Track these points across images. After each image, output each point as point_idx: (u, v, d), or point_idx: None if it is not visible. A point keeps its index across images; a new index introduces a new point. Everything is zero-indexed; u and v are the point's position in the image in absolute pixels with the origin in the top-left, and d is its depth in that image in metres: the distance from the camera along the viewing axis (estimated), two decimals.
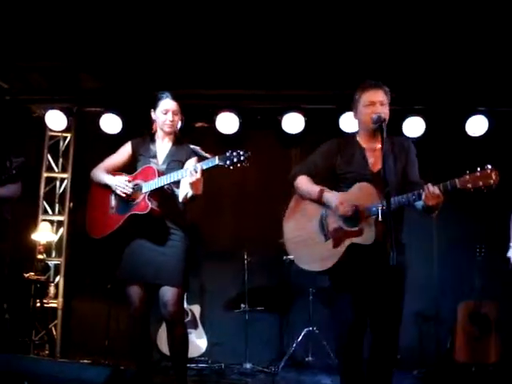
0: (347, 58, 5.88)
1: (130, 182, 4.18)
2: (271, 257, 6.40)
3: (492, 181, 3.33)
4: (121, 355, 5.78)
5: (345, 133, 6.35)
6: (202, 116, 6.71)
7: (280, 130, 6.66)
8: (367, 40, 5.65)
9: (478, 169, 3.36)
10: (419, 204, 3.55)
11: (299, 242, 3.89)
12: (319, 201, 3.80)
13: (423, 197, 3.45)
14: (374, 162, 3.82)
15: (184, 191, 4.10)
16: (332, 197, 3.74)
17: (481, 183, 3.34)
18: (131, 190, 4.14)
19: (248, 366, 6.18)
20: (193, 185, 3.95)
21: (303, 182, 3.90)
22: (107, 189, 4.26)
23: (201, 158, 4.16)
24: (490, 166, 3.35)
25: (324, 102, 6.62)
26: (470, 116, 6.47)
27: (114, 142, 4.70)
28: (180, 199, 4.16)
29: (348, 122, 6.36)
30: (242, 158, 3.85)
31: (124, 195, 4.16)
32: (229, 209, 6.88)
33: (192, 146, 4.29)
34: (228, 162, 3.85)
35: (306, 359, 6.29)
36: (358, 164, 3.83)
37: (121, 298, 5.36)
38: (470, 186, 3.35)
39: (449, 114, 6.59)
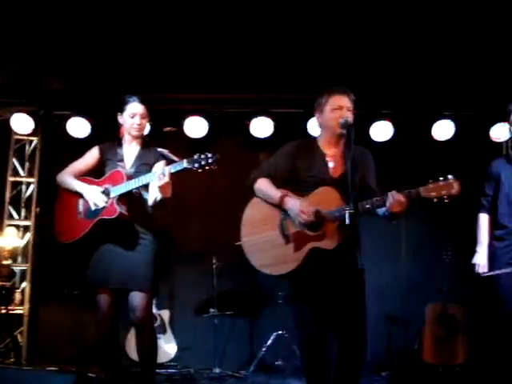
0: (315, 63, 5.90)
1: (99, 187, 4.15)
2: (240, 261, 6.33)
3: (454, 190, 3.36)
4: (89, 362, 5.74)
5: (310, 137, 6.36)
6: (171, 120, 6.68)
7: (248, 134, 6.66)
8: (336, 45, 5.68)
9: (441, 178, 3.39)
10: (381, 211, 3.57)
11: (258, 245, 3.82)
12: (281, 206, 3.75)
13: (388, 203, 3.46)
14: (335, 167, 3.82)
15: (153, 195, 4.08)
16: (294, 204, 3.68)
17: (443, 192, 3.36)
18: (104, 204, 4.10)
19: (217, 370, 6.16)
20: (161, 188, 3.93)
21: (264, 185, 3.84)
22: (75, 194, 4.21)
23: (169, 162, 4.15)
24: (451, 176, 3.38)
25: (292, 106, 6.63)
26: (436, 120, 6.54)
27: (82, 146, 4.66)
28: (150, 203, 4.14)
29: (316, 126, 6.37)
30: (209, 161, 3.84)
31: (93, 206, 4.13)
32: (197, 213, 6.85)
33: (160, 150, 4.27)
34: (196, 165, 3.83)
35: (276, 363, 6.27)
36: (318, 169, 3.81)
37: (89, 303, 5.31)
38: (433, 194, 3.38)
39: (416, 119, 6.65)
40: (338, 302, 3.66)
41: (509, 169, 4.46)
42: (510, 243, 4.36)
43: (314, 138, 3.99)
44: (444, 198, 3.39)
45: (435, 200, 3.38)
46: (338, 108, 3.76)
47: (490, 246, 4.51)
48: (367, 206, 3.55)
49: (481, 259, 4.48)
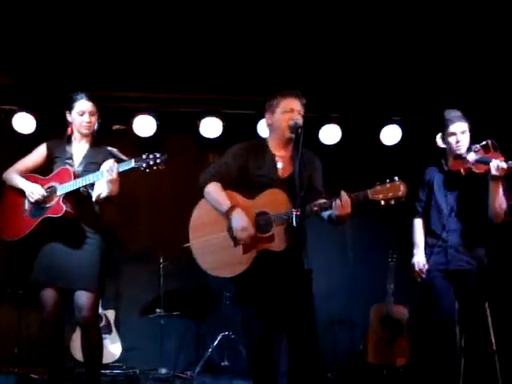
0: (266, 65, 5.92)
1: (43, 186, 4.08)
2: (187, 261, 6.29)
3: (401, 192, 3.43)
4: (31, 363, 5.63)
5: (260, 138, 6.40)
6: (119, 118, 6.60)
7: (198, 134, 6.65)
8: (287, 48, 5.71)
9: (388, 180, 3.46)
10: (326, 214, 3.64)
11: (207, 247, 3.82)
12: (226, 217, 3.72)
13: (335, 205, 3.51)
14: (283, 168, 3.87)
15: (97, 191, 4.03)
16: (238, 219, 3.66)
17: (390, 194, 3.43)
18: (43, 198, 4.04)
19: (163, 371, 6.10)
20: (108, 184, 3.89)
21: (214, 191, 3.83)
22: (21, 192, 4.14)
23: (118, 161, 4.11)
24: (397, 178, 3.45)
25: (243, 107, 6.64)
26: (384, 125, 6.64)
27: (28, 142, 4.58)
28: (93, 199, 4.08)
29: (265, 128, 6.40)
30: (158, 161, 3.83)
31: (35, 203, 4.06)
32: (145, 212, 6.80)
33: (109, 148, 4.24)
34: (144, 165, 3.82)
35: (222, 364, 6.26)
36: (267, 169, 3.85)
37: (31, 303, 5.23)
38: (380, 197, 3.45)
39: (364, 123, 6.74)
40: (286, 303, 3.68)
41: (441, 177, 4.57)
42: (440, 250, 4.48)
43: (264, 139, 4.03)
44: (391, 200, 3.46)
45: (383, 203, 3.44)
46: (289, 111, 3.81)
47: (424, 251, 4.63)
48: (315, 209, 3.60)
49: (419, 258, 4.56)
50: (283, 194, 3.69)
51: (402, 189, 3.43)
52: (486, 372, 4.64)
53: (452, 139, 4.41)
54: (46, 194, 4.06)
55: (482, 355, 4.53)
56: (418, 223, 4.70)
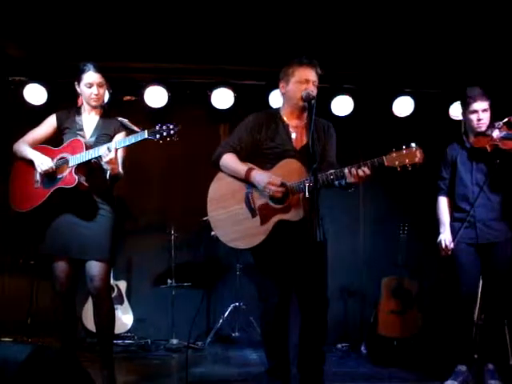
0: (278, 35, 5.86)
1: (54, 157, 4.08)
2: (198, 232, 6.37)
3: (417, 158, 3.44)
4: (44, 332, 5.68)
5: (272, 108, 6.38)
6: (130, 89, 6.57)
7: (209, 105, 6.61)
8: (298, 17, 5.64)
9: (404, 147, 3.46)
10: (337, 181, 3.64)
11: (225, 219, 3.86)
12: (247, 180, 3.78)
13: (349, 175, 3.51)
14: (297, 138, 3.89)
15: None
16: (261, 177, 3.72)
17: (407, 161, 3.43)
18: (51, 170, 4.04)
19: (175, 341, 6.15)
20: (108, 164, 3.88)
21: (229, 160, 3.86)
22: (31, 163, 4.13)
23: (129, 131, 4.10)
24: (414, 145, 3.45)
25: (254, 78, 6.60)
26: (396, 97, 6.58)
27: (39, 114, 4.57)
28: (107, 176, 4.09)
29: (277, 99, 6.37)
30: (171, 132, 3.80)
31: (43, 173, 4.06)
32: (156, 183, 6.79)
33: (120, 119, 4.20)
34: (158, 136, 3.80)
35: (233, 334, 6.31)
36: (281, 139, 3.86)
37: (43, 274, 5.26)
38: (396, 163, 3.44)
39: (376, 94, 6.69)
40: (302, 271, 3.72)
41: (464, 153, 4.60)
42: (468, 225, 4.51)
43: (277, 110, 4.02)
44: (407, 166, 3.45)
45: (399, 169, 3.44)
46: (305, 81, 3.80)
47: (451, 227, 4.64)
48: (331, 177, 3.59)
49: (446, 236, 4.57)
50: (298, 164, 3.71)
51: (419, 155, 3.44)
52: (497, 344, 4.67)
53: (473, 117, 4.46)
54: (54, 166, 4.05)
55: (498, 331, 4.58)
56: (443, 201, 4.72)
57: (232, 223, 3.84)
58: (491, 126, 4.40)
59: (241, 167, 3.81)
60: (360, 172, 3.49)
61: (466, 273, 4.50)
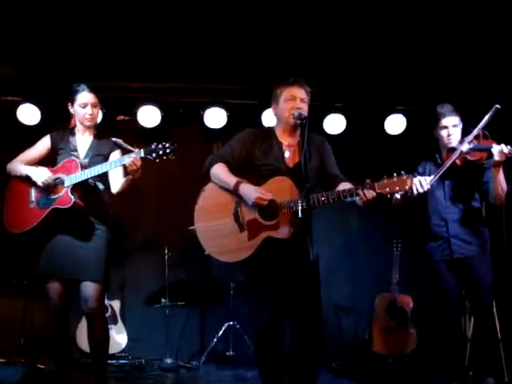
0: (270, 55, 5.90)
1: (51, 175, 4.08)
2: (193, 251, 6.34)
3: (407, 186, 3.48)
4: (38, 353, 5.65)
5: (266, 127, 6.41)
6: (123, 109, 6.59)
7: (202, 124, 6.63)
8: (290, 37, 5.68)
9: (395, 174, 3.50)
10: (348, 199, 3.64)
11: (212, 232, 3.84)
12: (235, 192, 3.77)
13: (358, 198, 3.55)
14: (291, 156, 3.89)
15: (119, 180, 4.08)
16: (249, 189, 3.71)
17: (397, 188, 3.48)
18: (51, 182, 4.04)
19: (169, 361, 6.13)
20: (133, 172, 3.91)
21: (220, 171, 3.86)
22: (27, 182, 4.15)
23: (124, 151, 4.11)
24: (404, 172, 3.49)
25: (246, 97, 6.63)
26: (389, 114, 6.62)
27: (33, 134, 4.57)
28: (116, 190, 4.10)
29: (270, 118, 6.39)
30: (167, 151, 3.83)
31: (44, 186, 4.06)
32: (150, 203, 6.78)
33: (114, 139, 4.22)
34: (154, 155, 3.82)
35: (227, 354, 6.29)
36: (274, 157, 3.87)
37: (37, 294, 5.23)
38: (387, 190, 3.48)
39: (369, 112, 6.72)
40: (292, 292, 3.71)
41: (435, 170, 4.55)
42: (442, 241, 4.56)
43: (271, 128, 4.05)
44: (397, 194, 3.50)
45: (389, 196, 3.48)
46: (292, 98, 3.83)
47: (427, 247, 4.68)
48: (322, 199, 3.60)
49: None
50: (290, 182, 3.71)
51: (409, 183, 3.47)
52: (491, 360, 4.66)
53: (444, 132, 4.52)
54: (52, 177, 4.06)
55: (489, 342, 4.57)
56: None
57: (219, 236, 3.82)
58: (461, 141, 4.43)
59: (230, 179, 3.79)
60: (369, 196, 3.52)
61: (449, 292, 4.54)
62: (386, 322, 6.01)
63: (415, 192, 4.23)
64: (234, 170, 3.88)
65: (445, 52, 5.78)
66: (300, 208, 3.55)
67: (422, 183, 4.19)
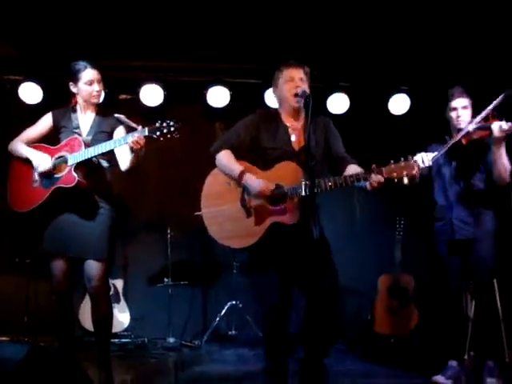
0: (273, 34, 5.86)
1: (53, 156, 4.07)
2: (195, 231, 6.34)
3: (414, 171, 3.49)
4: (41, 331, 5.67)
5: (269, 108, 6.38)
6: (126, 88, 6.57)
7: (205, 103, 6.61)
8: (293, 16, 5.64)
9: (402, 158, 3.50)
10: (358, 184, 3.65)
11: (219, 217, 3.85)
12: (239, 181, 3.76)
13: (368, 183, 3.55)
14: (297, 140, 3.87)
15: (127, 157, 4.05)
16: (253, 181, 3.71)
17: (405, 173, 3.49)
18: (47, 170, 4.04)
19: (171, 340, 6.16)
20: (137, 150, 3.87)
21: (225, 158, 3.85)
22: (29, 162, 4.12)
23: (127, 128, 4.09)
24: (411, 157, 3.51)
25: (249, 76, 6.60)
26: (392, 94, 6.59)
27: (35, 112, 4.55)
28: (124, 167, 4.09)
29: (273, 97, 6.35)
30: (172, 129, 3.79)
31: (43, 173, 4.05)
32: (152, 182, 6.77)
33: (117, 115, 4.16)
34: (158, 134, 3.79)
35: (230, 333, 6.32)
36: (281, 140, 3.86)
37: (40, 272, 5.24)
38: (394, 175, 3.50)
39: (372, 92, 6.70)
40: (306, 269, 3.67)
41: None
42: (445, 222, 4.59)
43: (276, 110, 4.02)
44: (404, 179, 3.51)
45: (396, 180, 3.48)
46: (290, 79, 3.83)
47: (433, 226, 4.70)
48: (329, 184, 3.60)
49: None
50: (296, 167, 3.70)
51: (416, 168, 3.49)
52: (492, 340, 4.67)
53: (453, 114, 4.55)
54: (51, 166, 4.05)
55: (489, 322, 4.59)
56: None
57: (226, 221, 3.82)
58: (470, 121, 4.43)
59: (235, 167, 3.79)
60: (376, 180, 3.53)
61: (451, 269, 4.56)
62: (388, 303, 6.02)
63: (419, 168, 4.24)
64: (240, 155, 3.87)
65: (449, 32, 5.74)
66: (303, 187, 3.54)
67: (423, 159, 4.18)
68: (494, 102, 4.26)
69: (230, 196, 3.83)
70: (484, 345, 4.61)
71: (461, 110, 4.51)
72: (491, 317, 4.66)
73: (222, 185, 3.88)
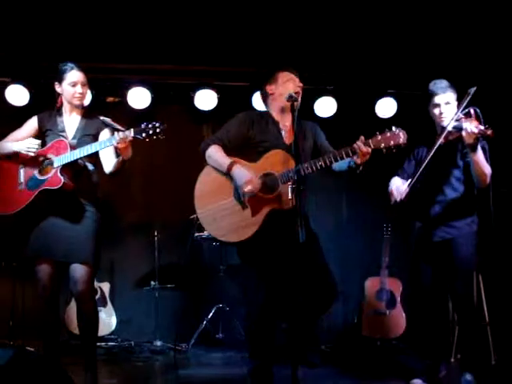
0: (261, 36, 5.87)
1: (38, 158, 4.05)
2: (182, 233, 6.35)
3: (401, 139, 3.60)
4: (27, 336, 5.63)
5: (257, 111, 6.39)
6: (113, 91, 6.55)
7: (192, 106, 6.60)
8: (281, 19, 5.66)
9: (387, 129, 3.64)
10: (344, 165, 3.77)
11: (215, 215, 3.87)
12: (228, 173, 3.82)
13: (358, 152, 3.62)
14: (287, 135, 3.98)
15: (111, 160, 4.05)
16: (240, 173, 3.77)
17: (392, 143, 3.59)
18: (36, 147, 4.03)
19: (158, 343, 6.14)
20: (123, 150, 3.87)
21: (214, 152, 3.92)
22: (15, 163, 4.10)
23: (113, 130, 4.08)
24: (395, 127, 3.65)
25: (237, 79, 6.60)
26: (380, 98, 6.60)
27: (22, 115, 4.53)
28: (109, 169, 4.08)
29: (260, 100, 6.36)
30: (157, 130, 3.80)
31: (34, 154, 4.02)
32: (139, 184, 6.75)
33: (102, 118, 4.17)
34: (143, 135, 3.79)
35: (217, 336, 6.30)
36: (272, 135, 3.96)
37: (26, 276, 5.21)
38: (382, 145, 3.60)
39: (360, 96, 6.71)
40: (301, 258, 3.64)
41: (426, 150, 4.43)
42: (425, 224, 4.43)
43: (266, 110, 4.15)
44: (392, 148, 3.60)
45: (384, 151, 3.56)
46: (291, 79, 3.98)
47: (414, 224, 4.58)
48: (319, 163, 3.69)
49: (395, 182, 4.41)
50: (285, 154, 3.79)
51: (402, 136, 3.61)
52: (478, 344, 4.62)
53: (436, 111, 4.31)
54: (38, 143, 4.05)
55: (472, 326, 4.51)
56: (395, 178, 4.50)
57: (222, 217, 3.85)
58: (452, 118, 4.14)
59: (224, 160, 3.86)
60: (364, 149, 3.60)
61: (426, 270, 4.44)
62: (375, 306, 6.04)
63: (392, 201, 4.30)
64: (230, 150, 3.93)
65: (436, 35, 5.77)
66: (294, 170, 3.59)
67: (398, 193, 4.23)
68: (463, 105, 4.03)
69: (223, 192, 3.87)
70: (469, 347, 4.46)
71: (443, 107, 4.25)
72: (471, 322, 4.53)
73: (213, 182, 3.92)
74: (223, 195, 3.86)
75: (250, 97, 6.48)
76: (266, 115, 4.08)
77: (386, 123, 6.50)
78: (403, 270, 6.21)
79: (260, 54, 5.95)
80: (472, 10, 5.40)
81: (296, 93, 3.84)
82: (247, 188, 3.72)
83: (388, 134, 3.61)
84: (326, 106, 6.58)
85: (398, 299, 6.02)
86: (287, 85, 3.95)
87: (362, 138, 3.64)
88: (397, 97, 6.58)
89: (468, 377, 4.28)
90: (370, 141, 3.61)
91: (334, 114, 6.60)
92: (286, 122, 4.03)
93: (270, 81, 4.07)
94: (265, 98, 4.14)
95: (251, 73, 6.35)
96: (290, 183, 3.67)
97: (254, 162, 3.87)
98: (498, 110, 5.91)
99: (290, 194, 3.65)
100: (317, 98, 6.54)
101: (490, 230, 4.56)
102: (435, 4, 5.37)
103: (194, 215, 4.00)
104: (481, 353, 4.93)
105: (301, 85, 3.98)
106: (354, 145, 3.64)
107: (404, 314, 5.96)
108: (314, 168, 3.69)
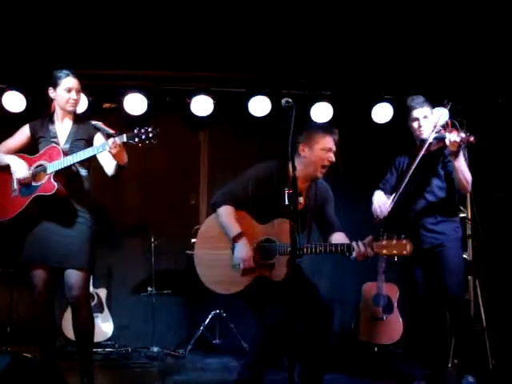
0: (258, 42, 5.88)
1: (31, 165, 4.06)
2: (178, 240, 6.35)
3: (405, 251, 3.51)
4: (24, 342, 5.62)
5: (254, 117, 6.40)
6: (109, 97, 6.56)
7: (189, 112, 6.60)
8: (278, 25, 5.66)
9: (395, 236, 3.53)
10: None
11: (208, 260, 3.96)
12: (233, 242, 3.84)
13: (354, 254, 3.63)
14: (301, 201, 3.94)
15: (111, 163, 4.07)
16: (242, 248, 3.79)
17: (395, 252, 3.52)
18: (27, 175, 4.03)
19: (155, 349, 6.11)
20: (117, 156, 3.90)
21: (226, 214, 3.91)
22: (8, 171, 4.12)
23: (106, 134, 4.10)
24: (404, 236, 3.52)
25: (233, 85, 6.59)
26: (376, 103, 6.61)
27: (19, 121, 4.54)
28: (111, 172, 4.11)
29: (257, 106, 6.38)
30: (150, 135, 3.82)
31: (21, 181, 4.03)
32: (135, 190, 6.75)
33: (94, 122, 4.19)
34: (136, 140, 3.82)
35: (214, 342, 6.30)
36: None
37: (23, 282, 5.20)
38: (384, 251, 3.55)
39: (356, 101, 6.71)
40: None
41: (407, 162, 4.60)
42: (413, 232, 4.44)
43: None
44: (393, 256, 3.59)
45: (385, 256, 3.54)
46: (328, 150, 3.93)
47: None
48: (320, 249, 3.70)
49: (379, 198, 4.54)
50: (293, 226, 3.71)
51: (408, 248, 3.50)
52: (474, 349, 4.65)
53: (415, 124, 4.53)
54: (29, 173, 4.05)
55: (467, 328, 4.55)
56: (378, 193, 4.63)
57: (214, 266, 3.91)
58: (432, 131, 4.40)
59: (232, 228, 3.85)
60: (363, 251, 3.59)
61: (417, 280, 4.57)
62: (372, 311, 6.04)
63: (376, 220, 4.48)
64: (241, 205, 3.92)
65: (432, 41, 5.78)
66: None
67: (381, 210, 4.41)
68: (442, 116, 4.33)
69: (223, 242, 3.90)
70: (465, 353, 4.55)
71: (422, 120, 4.48)
72: (466, 327, 4.58)
73: (217, 230, 3.94)
74: (223, 245, 3.90)
75: (246, 103, 6.46)
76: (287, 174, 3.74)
77: (383, 128, 6.60)
78: (400, 275, 6.21)
79: (256, 60, 5.96)
80: (466, 17, 5.41)
81: (325, 165, 3.86)
82: (241, 265, 3.75)
83: (394, 242, 3.52)
84: (322, 112, 6.55)
85: (395, 304, 6.01)
86: (322, 155, 3.89)
87: (371, 237, 3.60)
88: (393, 102, 6.58)
89: (470, 379, 4.39)
90: (374, 244, 3.56)
91: (331, 120, 6.59)
92: (303, 187, 3.97)
93: (306, 140, 3.97)
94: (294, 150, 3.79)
95: (248, 79, 6.35)
96: (287, 256, 3.65)
97: (260, 224, 3.88)
98: (495, 117, 5.95)
99: (285, 269, 3.67)
100: (313, 104, 6.54)
101: (478, 235, 4.62)
102: (431, 10, 5.38)
103: (192, 252, 4.04)
104: (478, 356, 4.92)
105: (333, 156, 3.92)
106: (355, 245, 3.63)
107: (401, 319, 5.96)
108: (313, 251, 3.68)
